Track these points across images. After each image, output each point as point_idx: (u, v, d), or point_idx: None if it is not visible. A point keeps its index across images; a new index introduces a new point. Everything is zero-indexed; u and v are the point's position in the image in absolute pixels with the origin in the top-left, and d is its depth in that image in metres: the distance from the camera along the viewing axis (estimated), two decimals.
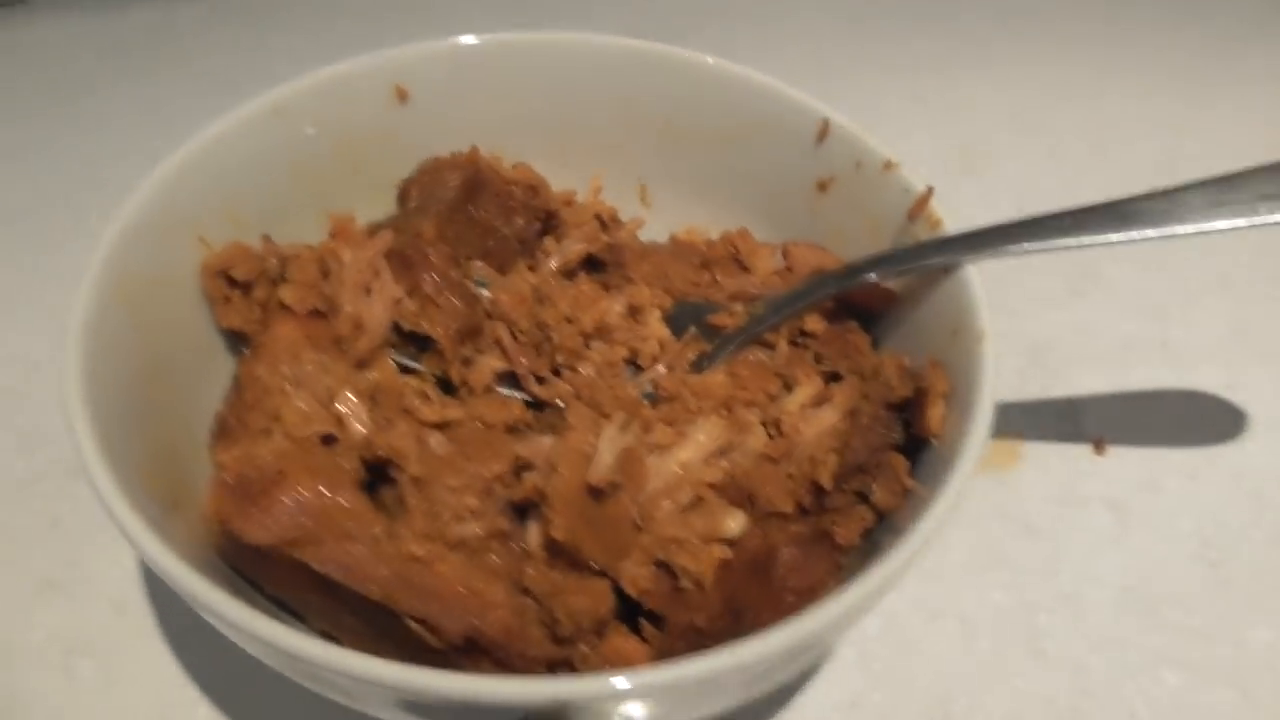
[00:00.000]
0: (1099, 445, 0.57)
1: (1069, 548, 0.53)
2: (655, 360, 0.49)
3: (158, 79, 0.84)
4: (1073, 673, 0.49)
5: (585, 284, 0.52)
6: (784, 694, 0.48)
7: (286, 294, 0.48)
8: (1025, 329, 0.63)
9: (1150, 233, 0.42)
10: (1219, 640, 0.50)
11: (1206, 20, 0.91)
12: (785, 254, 0.53)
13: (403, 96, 0.57)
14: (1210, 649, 0.49)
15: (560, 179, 0.58)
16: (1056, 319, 0.65)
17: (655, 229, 0.59)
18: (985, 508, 0.55)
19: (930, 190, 0.47)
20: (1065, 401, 0.60)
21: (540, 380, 0.48)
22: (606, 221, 0.57)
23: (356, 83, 0.55)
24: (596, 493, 0.40)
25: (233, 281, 0.50)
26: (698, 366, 0.48)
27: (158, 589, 0.51)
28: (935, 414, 0.40)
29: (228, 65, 0.84)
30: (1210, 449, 0.58)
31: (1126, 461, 0.57)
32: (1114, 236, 0.43)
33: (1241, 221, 0.41)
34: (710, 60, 0.55)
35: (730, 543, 0.41)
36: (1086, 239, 0.43)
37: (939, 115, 0.81)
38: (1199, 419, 0.59)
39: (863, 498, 0.42)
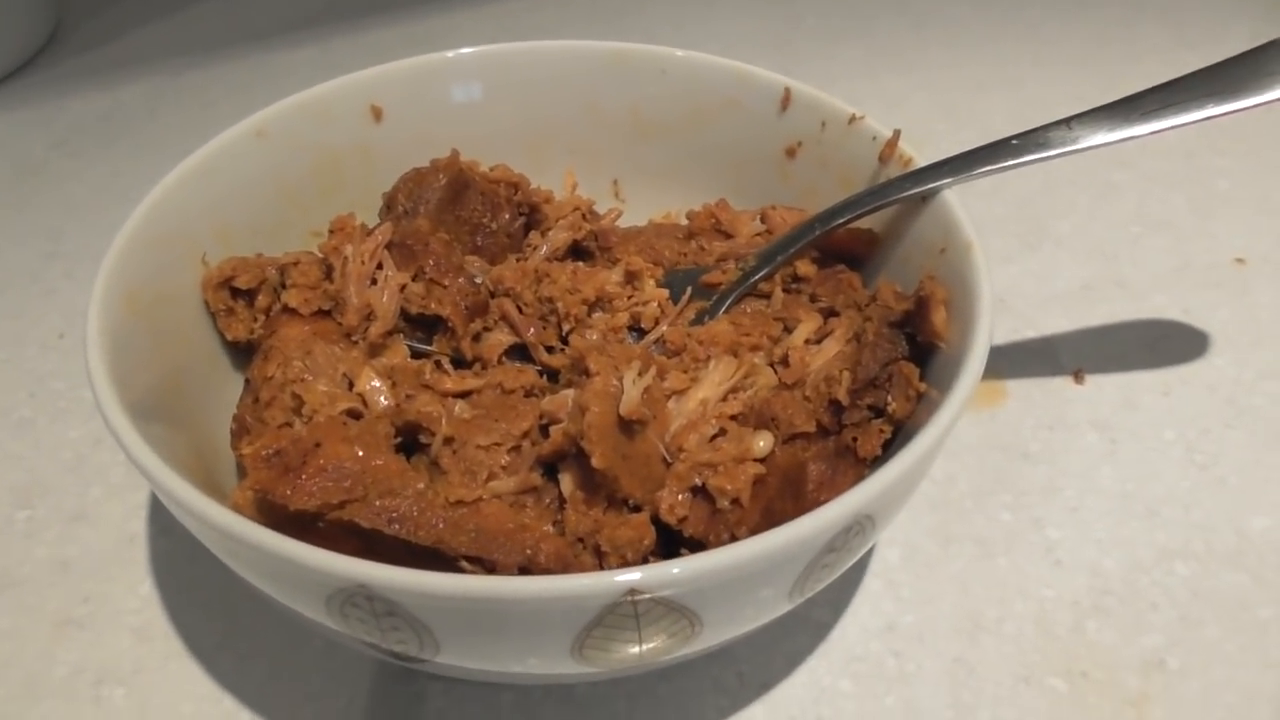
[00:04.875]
0: (1078, 375, 0.60)
1: (1066, 467, 0.56)
2: (657, 322, 0.50)
3: (110, 155, 0.84)
4: (1090, 575, 0.50)
5: (579, 266, 0.54)
6: (820, 628, 0.49)
7: (291, 297, 0.49)
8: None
9: (1096, 140, 0.46)
10: (1220, 531, 0.52)
11: (1099, 7, 0.98)
12: (764, 217, 0.55)
13: (378, 115, 0.59)
14: (1213, 539, 0.52)
15: (535, 182, 0.60)
16: (1017, 270, 0.68)
17: (630, 219, 0.61)
18: (981, 441, 0.57)
19: (898, 132, 0.51)
20: (1039, 341, 0.63)
21: (549, 350, 0.49)
22: (586, 213, 0.59)
23: (333, 103, 0.57)
24: (627, 428, 0.41)
25: (235, 293, 0.51)
26: (698, 323, 0.50)
27: (179, 613, 0.51)
28: (939, 317, 0.43)
29: (180, 136, 0.86)
30: (1180, 367, 0.61)
31: (1104, 387, 0.60)
32: (1062, 150, 0.46)
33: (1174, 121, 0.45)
34: (676, 53, 0.59)
35: (761, 461, 0.42)
36: (1038, 155, 0.47)
37: (875, 112, 0.85)
38: (1165, 342, 0.63)
39: (878, 412, 0.44)
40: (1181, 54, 0.90)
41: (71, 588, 0.52)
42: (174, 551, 0.53)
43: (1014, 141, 0.47)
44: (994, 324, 0.63)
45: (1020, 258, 0.69)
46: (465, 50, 0.60)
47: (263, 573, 0.36)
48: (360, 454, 0.40)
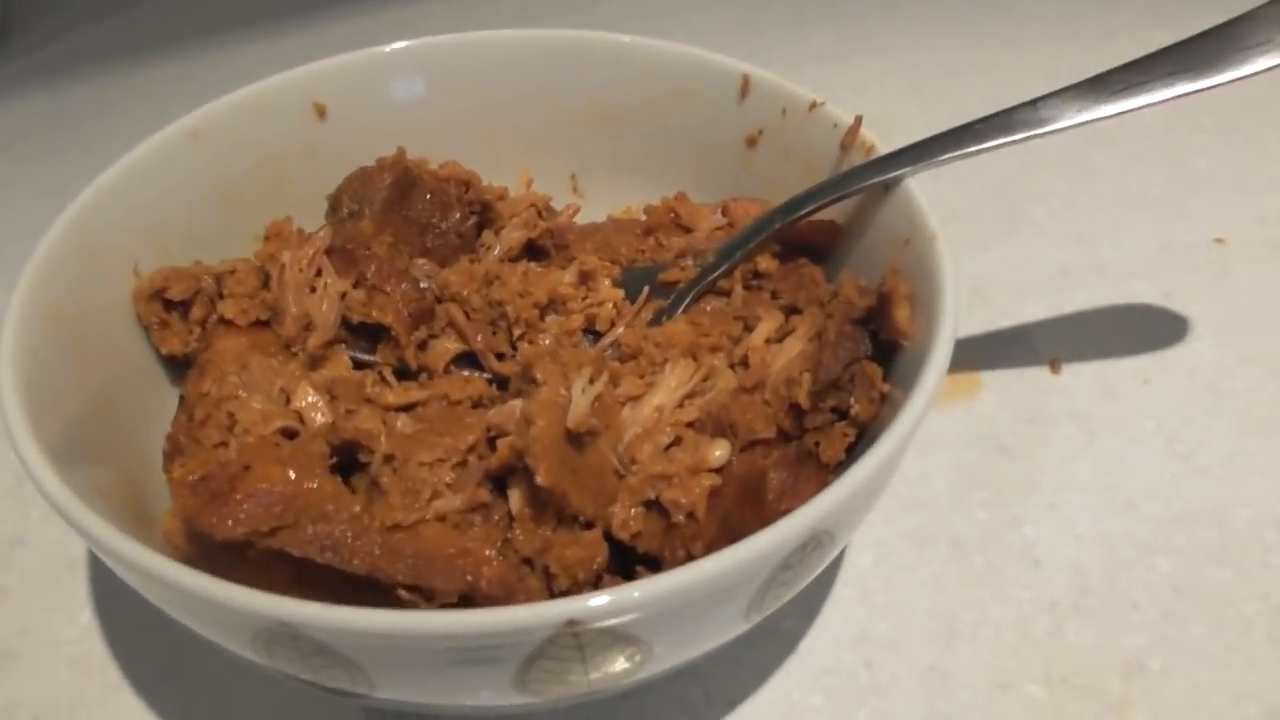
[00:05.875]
0: (1054, 365, 0.58)
1: (1043, 461, 0.54)
2: (613, 324, 0.48)
3: (58, 159, 0.82)
4: (1070, 575, 0.48)
5: (531, 266, 0.51)
6: (790, 638, 0.47)
7: (227, 308, 0.47)
8: (964, 269, 0.65)
9: (1063, 121, 0.44)
10: (1203, 524, 0.50)
11: None
12: (725, 210, 0.53)
13: (321, 112, 0.56)
14: (1195, 533, 0.50)
15: (489, 178, 0.58)
16: (993, 257, 0.66)
17: (590, 214, 0.59)
18: (956, 436, 0.55)
19: (859, 119, 0.48)
20: (1015, 330, 0.61)
21: (500, 357, 0.47)
22: (542, 210, 0.56)
23: (273, 102, 0.55)
24: (576, 440, 0.39)
25: (169, 305, 0.48)
26: (656, 323, 0.48)
27: (120, 643, 0.48)
28: (902, 314, 0.41)
29: (129, 138, 0.83)
30: (1159, 354, 0.59)
31: (1082, 376, 0.58)
32: (1029, 133, 0.44)
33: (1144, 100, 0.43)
34: (627, 39, 0.56)
35: (717, 471, 0.40)
36: (1004, 139, 0.44)
37: (845, 96, 0.82)
38: (1144, 328, 0.61)
39: (841, 414, 0.42)
40: (1154, 30, 0.87)
41: (8, 617, 0.50)
42: (114, 577, 0.50)
43: (977, 126, 0.45)
44: (963, 317, 0.61)
45: (996, 244, 0.67)
46: (409, 42, 0.57)
47: (185, 612, 0.34)
48: (292, 476, 0.38)
